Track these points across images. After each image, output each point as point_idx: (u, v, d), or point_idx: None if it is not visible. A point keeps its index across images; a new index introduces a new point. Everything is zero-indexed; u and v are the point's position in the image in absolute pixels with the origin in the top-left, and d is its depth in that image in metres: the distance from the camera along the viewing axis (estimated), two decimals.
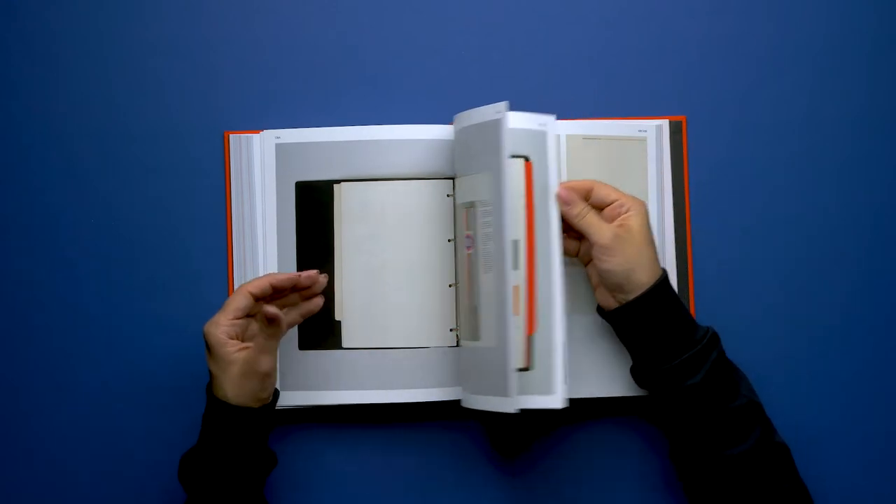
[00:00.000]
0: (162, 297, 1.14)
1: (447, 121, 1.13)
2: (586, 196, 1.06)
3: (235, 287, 1.13)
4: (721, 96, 1.16)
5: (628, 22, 1.17)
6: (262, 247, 1.13)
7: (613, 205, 1.05)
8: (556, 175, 1.06)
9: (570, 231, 1.07)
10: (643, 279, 1.03)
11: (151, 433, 1.13)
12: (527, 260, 1.05)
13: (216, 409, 1.03)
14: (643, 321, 1.04)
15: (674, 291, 1.05)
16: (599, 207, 1.06)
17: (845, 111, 1.17)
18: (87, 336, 1.14)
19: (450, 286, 1.12)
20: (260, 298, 1.05)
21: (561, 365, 1.04)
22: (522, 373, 1.04)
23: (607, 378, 1.11)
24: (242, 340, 1.04)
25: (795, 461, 1.05)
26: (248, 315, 1.05)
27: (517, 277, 1.04)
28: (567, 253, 1.08)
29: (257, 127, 1.14)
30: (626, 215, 1.04)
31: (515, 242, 1.04)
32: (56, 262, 1.15)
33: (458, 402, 1.11)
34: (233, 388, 1.02)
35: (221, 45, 1.16)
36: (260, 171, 1.13)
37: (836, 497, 1.12)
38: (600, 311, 1.08)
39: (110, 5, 1.16)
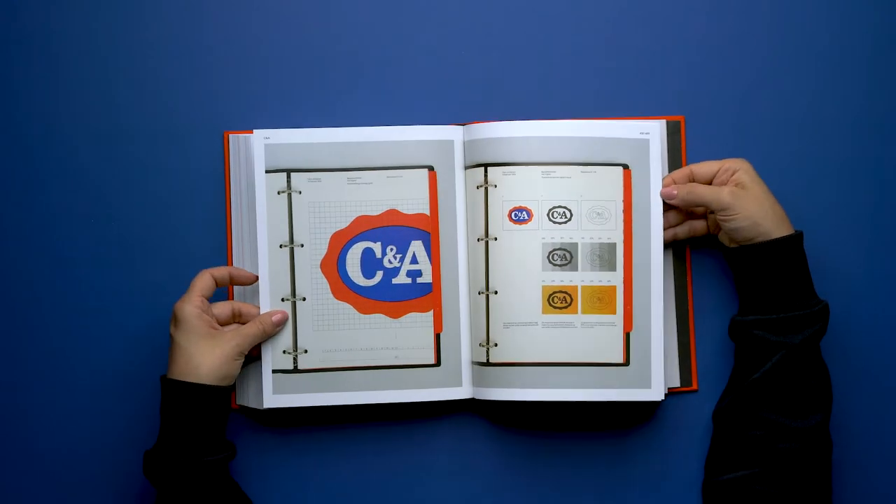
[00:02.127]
0: (162, 296, 1.14)
1: (448, 122, 1.13)
2: (690, 180, 1.11)
3: (233, 289, 1.14)
4: (720, 96, 1.16)
5: (628, 22, 1.17)
6: (262, 246, 1.12)
7: (718, 173, 1.09)
8: (658, 181, 1.11)
9: (693, 215, 1.12)
10: (770, 228, 1.06)
11: (152, 431, 1.13)
12: (624, 262, 1.09)
13: (181, 392, 1.04)
14: (760, 267, 1.07)
15: (804, 254, 1.08)
16: (707, 181, 1.10)
17: (845, 111, 1.16)
18: (87, 335, 1.15)
19: (479, 293, 1.12)
20: (220, 285, 1.09)
21: (659, 360, 1.10)
22: (620, 368, 1.10)
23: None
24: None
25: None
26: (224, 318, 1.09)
27: (614, 278, 1.09)
28: (698, 232, 1.12)
29: (257, 127, 1.14)
30: (734, 176, 1.08)
31: (612, 245, 1.10)
32: (55, 262, 1.15)
33: (447, 402, 1.12)
34: (210, 358, 1.04)
35: (222, 46, 1.16)
36: (259, 170, 1.13)
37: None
38: (723, 250, 1.11)
39: (110, 5, 1.16)
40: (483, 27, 1.17)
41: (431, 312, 1.12)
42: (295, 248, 1.12)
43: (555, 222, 1.11)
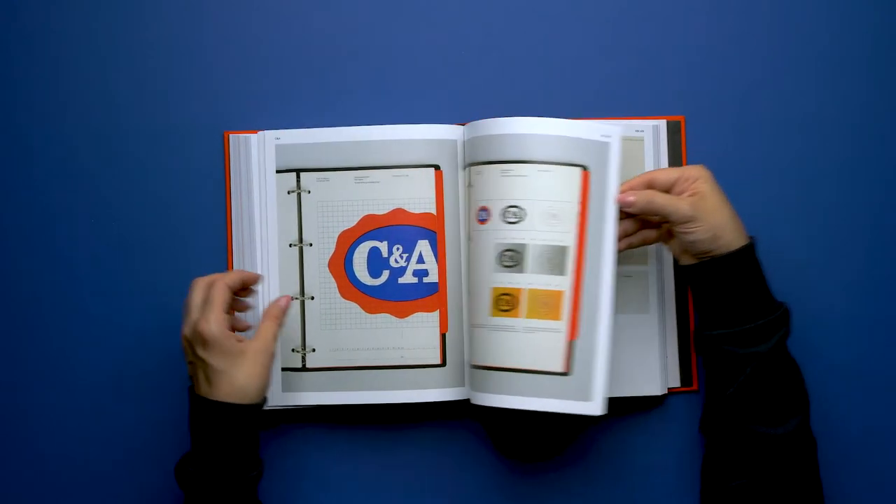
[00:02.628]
0: (162, 297, 1.14)
1: (448, 121, 1.13)
2: (649, 187, 1.06)
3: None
4: (720, 96, 1.16)
5: (628, 22, 1.17)
6: (262, 247, 1.13)
7: (678, 181, 1.05)
8: (616, 186, 1.05)
9: (646, 223, 1.08)
10: (730, 240, 1.03)
11: (151, 432, 1.13)
12: (575, 267, 1.06)
13: (235, 415, 1.00)
14: (723, 280, 1.03)
15: (758, 261, 1.05)
16: (666, 190, 1.06)
17: (845, 111, 1.16)
18: (87, 336, 1.15)
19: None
20: (234, 292, 1.06)
21: (603, 372, 1.04)
22: (560, 377, 1.05)
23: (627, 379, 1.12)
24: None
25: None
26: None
27: (563, 283, 1.05)
28: (649, 241, 1.08)
29: (257, 127, 1.14)
30: (694, 185, 1.04)
31: (564, 249, 1.05)
32: (56, 262, 1.15)
33: (454, 402, 1.12)
34: (250, 377, 1.01)
35: (221, 45, 1.16)
36: (259, 171, 1.13)
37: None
38: (678, 267, 1.08)
39: (110, 5, 1.16)
40: (484, 28, 1.17)
41: (437, 312, 1.12)
42: (304, 248, 1.12)
43: (508, 222, 1.07)
